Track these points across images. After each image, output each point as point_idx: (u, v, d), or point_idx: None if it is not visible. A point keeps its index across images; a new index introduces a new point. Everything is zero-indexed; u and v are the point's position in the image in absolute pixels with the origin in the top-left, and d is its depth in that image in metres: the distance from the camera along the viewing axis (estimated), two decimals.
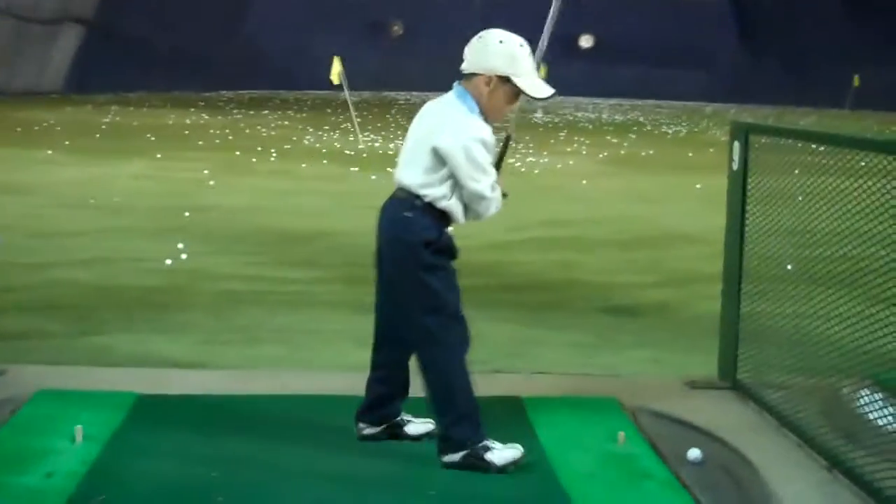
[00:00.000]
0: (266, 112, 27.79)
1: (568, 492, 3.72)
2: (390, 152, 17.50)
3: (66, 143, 17.15)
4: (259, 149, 17.38)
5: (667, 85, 42.03)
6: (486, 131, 3.84)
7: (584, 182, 14.30)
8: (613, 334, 6.36)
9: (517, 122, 4.17)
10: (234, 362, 5.49)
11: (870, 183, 3.90)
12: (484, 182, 3.82)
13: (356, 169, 15.00)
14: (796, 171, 4.53)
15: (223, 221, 10.15)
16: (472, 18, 40.15)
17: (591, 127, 26.56)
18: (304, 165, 15.30)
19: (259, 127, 22.49)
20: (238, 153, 16.62)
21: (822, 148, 4.38)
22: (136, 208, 10.71)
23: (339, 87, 18.69)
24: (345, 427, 4.24)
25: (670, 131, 26.03)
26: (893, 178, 3.75)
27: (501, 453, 3.88)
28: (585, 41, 44.24)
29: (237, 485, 3.68)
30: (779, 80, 39.99)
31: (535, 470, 3.90)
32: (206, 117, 25.09)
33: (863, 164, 3.98)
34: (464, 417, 3.88)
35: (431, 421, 4.10)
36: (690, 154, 19.17)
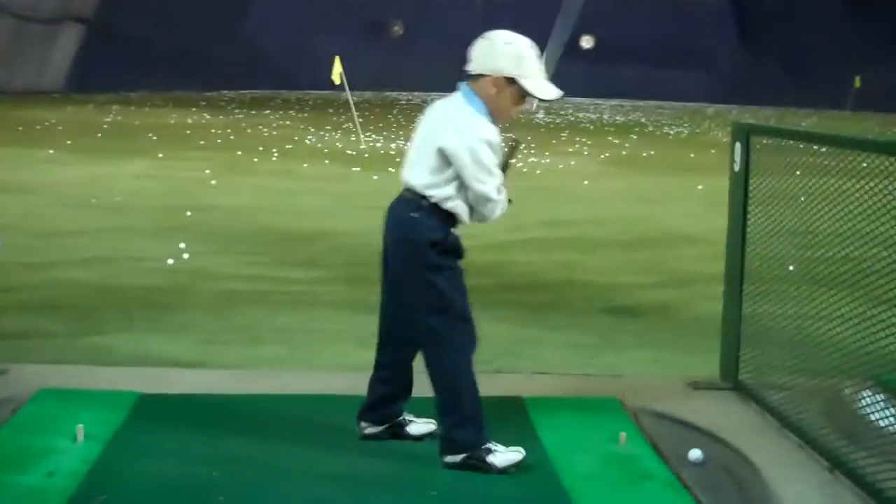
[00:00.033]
0: (268, 112, 27.80)
1: (569, 492, 3.71)
2: (392, 152, 17.51)
3: (68, 142, 17.16)
4: (261, 148, 17.39)
5: (668, 86, 42.04)
6: (492, 132, 3.82)
7: (586, 182, 14.30)
8: (615, 335, 6.36)
9: (517, 122, 4.17)
10: (235, 362, 5.49)
11: (871, 184, 3.90)
12: (490, 184, 3.80)
13: (358, 169, 15.00)
14: (798, 173, 4.53)
15: (224, 221, 10.16)
16: (473, 18, 40.20)
17: (592, 127, 26.56)
18: (305, 165, 15.30)
19: (261, 127, 22.50)
20: (240, 153, 16.63)
21: (823, 149, 4.38)
22: (137, 208, 10.71)
23: (341, 87, 18.70)
24: (345, 427, 4.24)
25: (672, 132, 26.03)
26: (895, 180, 3.75)
27: (503, 456, 3.88)
28: (586, 42, 44.25)
29: (238, 484, 3.68)
30: (780, 82, 40.01)
31: (537, 470, 3.90)
32: (208, 117, 25.11)
33: (864, 165, 3.98)
34: (468, 419, 3.88)
35: (433, 421, 4.10)
36: (692, 155, 19.17)
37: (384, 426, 4.17)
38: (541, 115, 29.45)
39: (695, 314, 6.82)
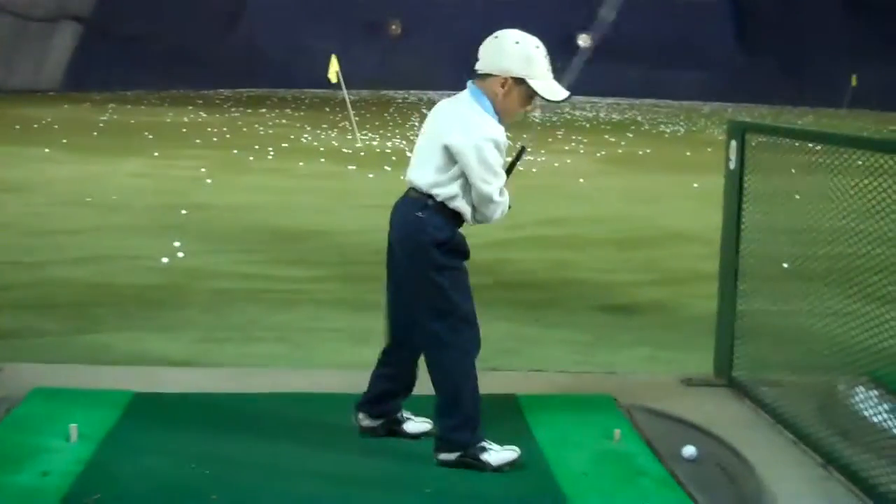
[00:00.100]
0: (264, 110, 27.77)
1: (563, 489, 3.72)
2: (388, 151, 17.51)
3: (64, 140, 17.14)
4: (256, 147, 17.38)
5: (664, 84, 42.06)
6: (499, 132, 3.80)
7: (582, 181, 14.30)
8: (610, 332, 6.37)
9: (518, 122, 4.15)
10: (231, 360, 5.49)
11: (866, 182, 3.91)
12: (494, 184, 3.78)
13: (354, 167, 15.00)
14: (793, 171, 4.54)
15: (220, 219, 10.15)
16: (470, 18, 40.18)
17: (588, 126, 26.57)
18: (301, 164, 15.30)
19: (257, 125, 22.49)
20: (235, 151, 16.61)
21: (818, 147, 4.38)
22: (133, 206, 10.70)
23: (337, 86, 18.69)
24: (340, 425, 4.24)
25: (668, 130, 26.05)
26: (889, 177, 3.76)
27: (498, 454, 3.88)
28: (583, 40, 44.27)
29: (232, 483, 3.68)
30: (776, 80, 40.04)
31: (531, 468, 3.90)
32: (204, 115, 25.08)
33: (859, 163, 3.99)
34: (467, 422, 3.88)
35: (430, 421, 4.09)
36: (688, 153, 19.18)
37: (381, 421, 4.17)
38: (537, 113, 29.43)
39: (690, 312, 6.83)
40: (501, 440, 3.93)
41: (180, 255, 8.14)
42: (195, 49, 35.57)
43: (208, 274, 7.66)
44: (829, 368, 4.25)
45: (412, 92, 40.52)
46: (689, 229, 10.17)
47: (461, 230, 3.91)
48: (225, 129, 21.28)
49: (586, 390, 4.85)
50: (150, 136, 18.78)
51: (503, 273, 7.99)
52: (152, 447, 3.98)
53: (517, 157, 4.03)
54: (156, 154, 15.75)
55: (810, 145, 4.47)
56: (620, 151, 19.38)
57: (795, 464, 4.05)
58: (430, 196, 3.80)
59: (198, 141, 18.40)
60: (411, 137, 19.99)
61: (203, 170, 13.90)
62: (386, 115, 27.32)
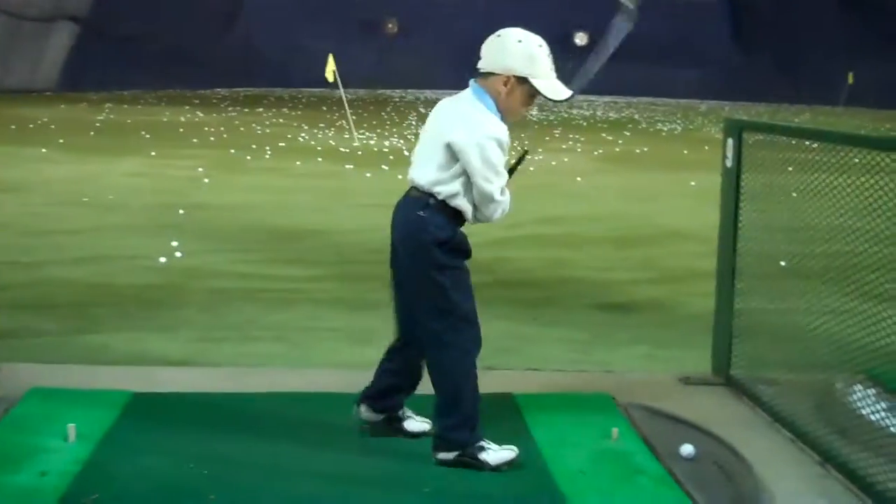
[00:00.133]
0: (261, 109, 27.75)
1: (561, 488, 3.72)
2: (385, 150, 17.51)
3: (61, 140, 17.11)
4: (254, 146, 17.37)
5: (662, 82, 42.06)
6: (502, 130, 3.79)
7: (579, 179, 14.31)
8: (608, 331, 6.37)
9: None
10: (229, 360, 5.49)
11: (862, 179, 3.92)
12: (496, 183, 3.78)
13: (351, 166, 14.99)
14: (790, 169, 4.55)
15: (217, 219, 10.15)
16: (469, 17, 40.15)
17: (585, 124, 26.56)
18: (298, 163, 15.29)
19: (254, 124, 22.47)
20: (233, 151, 16.60)
21: (815, 145, 4.39)
22: (130, 206, 10.69)
23: (334, 85, 18.68)
24: (339, 424, 4.24)
25: (665, 128, 26.05)
26: (886, 175, 3.76)
27: (496, 454, 3.88)
28: (580, 39, 44.24)
29: (230, 483, 3.68)
30: (773, 78, 40.04)
31: (529, 467, 3.90)
32: (201, 115, 25.06)
33: (856, 160, 3.99)
34: (466, 422, 3.88)
35: (430, 421, 4.09)
36: (685, 151, 19.19)
37: (382, 415, 4.16)
38: (534, 111, 29.46)
39: (687, 310, 6.84)
40: (499, 439, 3.93)
41: (178, 254, 8.14)
42: (192, 49, 35.53)
43: (206, 273, 7.66)
44: (827, 367, 4.25)
45: (409, 91, 40.48)
46: (687, 227, 10.18)
47: (463, 229, 3.90)
48: (222, 128, 21.27)
49: (584, 389, 4.85)
50: (147, 136, 18.76)
51: (501, 272, 7.99)
52: (150, 447, 3.98)
53: (520, 160, 4.02)
54: (153, 154, 15.74)
55: (807, 143, 4.47)
56: (618, 150, 19.39)
57: (793, 462, 4.05)
58: (432, 195, 3.79)
59: (195, 140, 18.39)
60: (408, 136, 19.99)
61: (200, 169, 13.89)
62: (383, 114, 27.30)
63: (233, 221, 10.01)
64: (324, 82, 18.89)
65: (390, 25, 45.36)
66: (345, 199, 11.68)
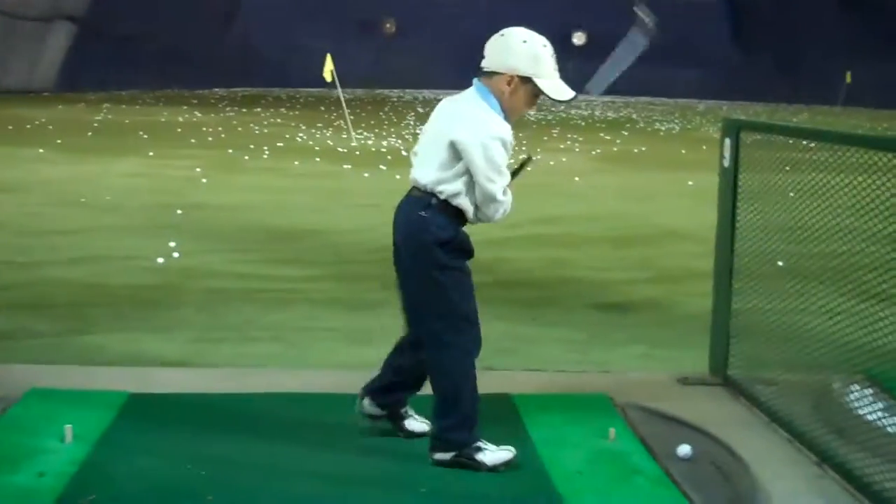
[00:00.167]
0: (259, 110, 27.76)
1: (558, 488, 3.72)
2: (383, 150, 17.51)
3: (58, 141, 17.11)
4: (251, 146, 17.37)
5: (659, 82, 42.09)
6: (506, 130, 3.78)
7: (577, 179, 14.31)
8: (605, 331, 6.37)
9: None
10: (226, 360, 5.48)
11: (860, 179, 3.92)
12: (499, 183, 3.76)
13: (349, 166, 14.99)
14: (787, 168, 4.54)
15: (215, 219, 10.14)
16: (467, 17, 40.15)
17: (583, 124, 26.57)
18: (296, 163, 15.29)
19: (252, 124, 22.47)
20: (230, 151, 16.60)
21: (812, 144, 4.39)
22: (127, 206, 10.69)
23: (332, 85, 18.68)
24: (336, 425, 4.24)
25: (663, 128, 26.06)
26: (883, 175, 3.76)
27: (493, 454, 3.87)
28: (578, 38, 44.27)
29: (227, 483, 3.67)
30: (771, 78, 40.10)
31: (526, 467, 3.90)
32: (199, 115, 25.06)
33: (853, 160, 3.99)
34: (463, 422, 3.87)
35: (430, 423, 4.09)
36: (683, 151, 19.20)
37: (384, 412, 4.15)
38: (531, 111, 29.45)
39: (685, 310, 6.84)
40: (496, 439, 3.93)
41: (175, 255, 8.13)
42: (190, 48, 35.54)
43: (203, 274, 7.66)
44: (824, 367, 4.25)
45: (407, 91, 40.50)
46: (684, 227, 10.18)
47: (465, 229, 3.89)
48: (220, 128, 21.27)
49: (581, 389, 4.85)
50: (145, 136, 18.76)
51: (500, 272, 7.99)
52: (147, 448, 3.97)
53: (522, 165, 4.00)
54: (151, 154, 15.74)
55: (805, 143, 4.47)
56: (616, 149, 19.39)
57: (790, 462, 4.05)
58: (433, 194, 3.78)
59: (193, 140, 18.39)
60: (406, 137, 19.99)
61: (198, 169, 13.89)
62: (381, 113, 27.31)
63: (230, 221, 10.01)
64: (322, 82, 18.89)
65: (388, 25, 45.39)
66: (342, 200, 11.67)
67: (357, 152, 17.08)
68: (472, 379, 3.89)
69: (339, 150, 17.44)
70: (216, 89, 37.23)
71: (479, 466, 3.84)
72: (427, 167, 3.83)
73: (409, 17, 43.97)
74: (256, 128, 21.71)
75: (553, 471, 3.86)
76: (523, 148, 18.13)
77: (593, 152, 18.62)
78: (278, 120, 24.38)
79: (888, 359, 3.75)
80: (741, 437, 4.23)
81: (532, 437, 4.19)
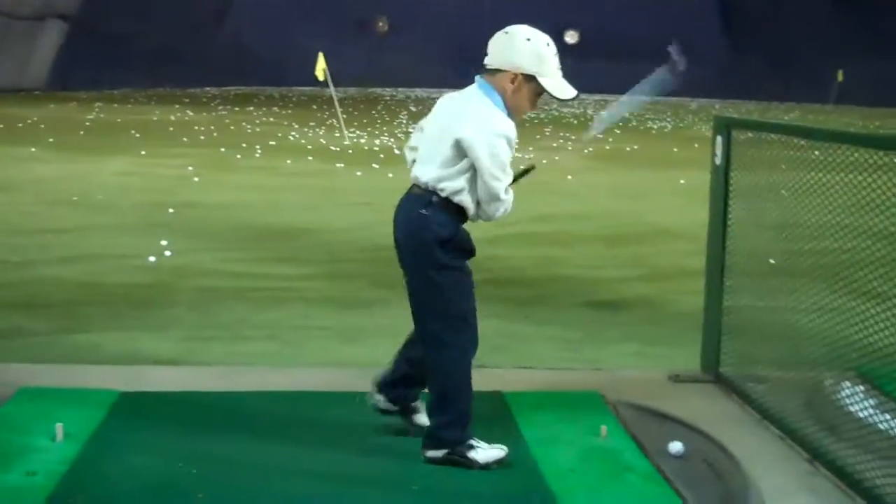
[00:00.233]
0: (251, 108, 27.70)
1: (550, 486, 3.72)
2: (375, 148, 17.49)
3: (50, 139, 17.07)
4: (244, 145, 17.34)
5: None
6: (510, 128, 3.77)
7: (570, 177, 14.31)
8: (598, 329, 6.38)
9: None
10: (219, 359, 5.48)
11: (851, 177, 3.93)
12: (503, 181, 3.76)
13: (341, 165, 14.98)
14: (783, 167, 4.55)
15: (208, 218, 10.13)
16: (459, 16, 40.09)
17: (576, 122, 26.59)
18: (289, 162, 15.27)
19: (244, 123, 22.43)
20: (223, 150, 16.58)
21: (803, 142, 4.40)
22: (120, 205, 10.67)
23: (325, 84, 18.65)
24: (329, 423, 4.25)
25: (655, 127, 26.09)
26: (874, 172, 3.77)
27: (485, 452, 3.88)
28: (570, 37, 44.27)
29: (219, 481, 3.67)
30: (763, 76, 40.11)
31: (518, 464, 3.90)
32: (191, 114, 25.01)
33: (845, 158, 4.00)
34: (457, 420, 3.87)
35: None
36: (675, 149, 19.21)
37: (397, 406, 4.13)
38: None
39: (677, 308, 6.85)
40: (488, 437, 3.94)
41: (168, 253, 8.12)
42: (182, 47, 35.44)
43: (196, 272, 7.65)
44: (816, 364, 4.26)
45: (400, 90, 40.43)
46: (676, 225, 10.20)
47: (466, 227, 3.88)
48: (212, 127, 21.23)
49: (573, 387, 4.85)
50: (137, 135, 18.72)
51: (491, 270, 7.98)
52: (138, 446, 3.97)
53: (525, 172, 3.99)
54: (143, 153, 15.71)
55: (795, 140, 4.48)
56: (608, 148, 19.39)
57: (782, 459, 4.06)
58: (434, 192, 3.77)
59: (185, 139, 18.35)
60: (399, 135, 19.97)
61: (190, 168, 13.86)
62: (374, 112, 27.28)
63: (223, 220, 9.99)
64: (314, 81, 18.85)
65: (381, 24, 45.32)
66: (335, 198, 11.66)
67: (350, 151, 17.07)
68: (467, 378, 3.89)
69: (332, 148, 17.42)
70: (208, 88, 37.14)
71: (472, 464, 3.84)
72: (428, 165, 3.81)
73: (402, 15, 43.91)
74: (249, 126, 21.67)
75: (545, 468, 3.87)
76: (515, 145, 18.14)
77: (586, 150, 18.63)
78: (270, 119, 24.34)
79: (879, 356, 3.76)
80: (733, 434, 4.24)
81: (524, 434, 4.19)
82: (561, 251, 9.00)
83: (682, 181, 13.63)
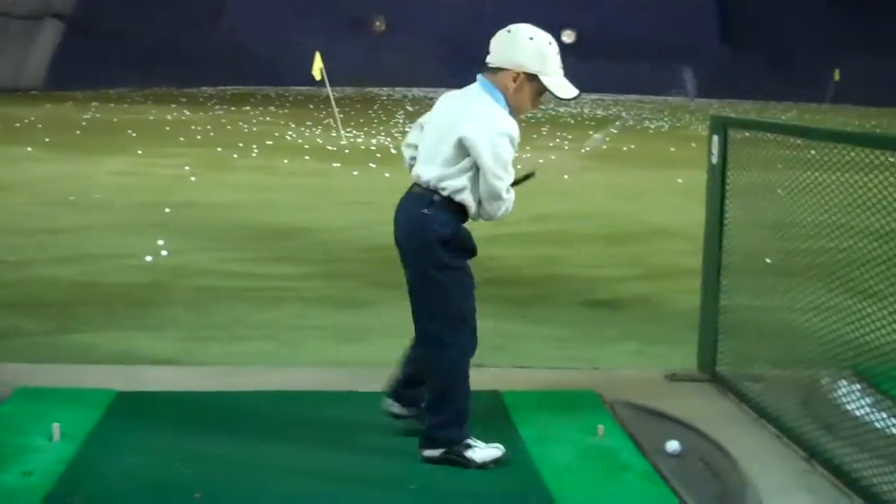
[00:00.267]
0: (248, 108, 27.70)
1: (547, 485, 3.72)
2: (372, 148, 17.49)
3: (47, 139, 17.05)
4: (240, 145, 17.33)
5: (649, 80, 42.12)
6: (513, 127, 3.76)
7: (567, 177, 14.31)
8: (595, 328, 6.38)
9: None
10: (216, 358, 5.48)
11: (847, 176, 3.93)
12: (506, 180, 3.75)
13: (338, 164, 14.98)
14: (780, 166, 4.55)
15: (204, 217, 10.12)
16: (456, 15, 40.06)
17: (573, 122, 26.59)
18: (285, 161, 15.26)
19: (241, 123, 22.42)
20: (219, 149, 16.57)
21: (799, 141, 4.40)
22: (116, 205, 10.66)
23: (321, 83, 18.65)
24: (325, 422, 4.24)
25: (652, 126, 26.09)
26: (870, 171, 3.78)
27: (482, 451, 3.88)
28: (567, 37, 44.27)
29: (215, 481, 3.67)
30: (760, 75, 40.13)
31: (515, 464, 3.90)
32: (188, 113, 24.99)
33: (839, 157, 4.01)
34: (454, 420, 3.87)
35: None
36: (672, 149, 19.22)
37: (412, 409, 4.11)
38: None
39: (674, 307, 6.85)
40: (486, 437, 3.93)
41: (164, 253, 8.12)
42: (178, 46, 35.40)
43: (193, 272, 7.64)
44: (812, 363, 4.27)
45: (397, 89, 40.43)
46: (674, 225, 10.20)
47: (467, 226, 3.87)
48: (209, 126, 21.22)
49: (570, 386, 4.85)
50: (134, 135, 18.71)
51: (489, 269, 7.97)
52: (135, 446, 3.96)
53: (524, 178, 3.99)
54: (139, 152, 15.70)
55: (792, 140, 4.49)
56: (605, 147, 19.40)
57: (779, 458, 4.06)
58: (436, 191, 3.76)
59: (182, 139, 18.34)
60: (395, 134, 19.97)
61: (187, 168, 13.86)
62: (370, 112, 27.28)
63: (219, 220, 9.99)
64: (311, 80, 18.85)
65: (378, 23, 45.30)
66: (332, 197, 11.66)
67: (346, 150, 17.07)
68: (465, 379, 3.89)
69: (329, 148, 17.42)
70: (204, 87, 37.11)
71: (469, 464, 3.84)
72: (430, 164, 3.80)
73: (399, 14, 43.90)
74: (245, 126, 21.67)
75: (542, 467, 3.87)
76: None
77: (582, 150, 18.63)
78: (267, 118, 24.33)
79: (875, 354, 3.77)
80: (730, 433, 4.24)
81: (521, 434, 4.19)
82: (558, 251, 9.01)
83: (679, 180, 13.63)
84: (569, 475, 3.82)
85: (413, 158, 3.98)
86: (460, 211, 3.80)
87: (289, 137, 19.37)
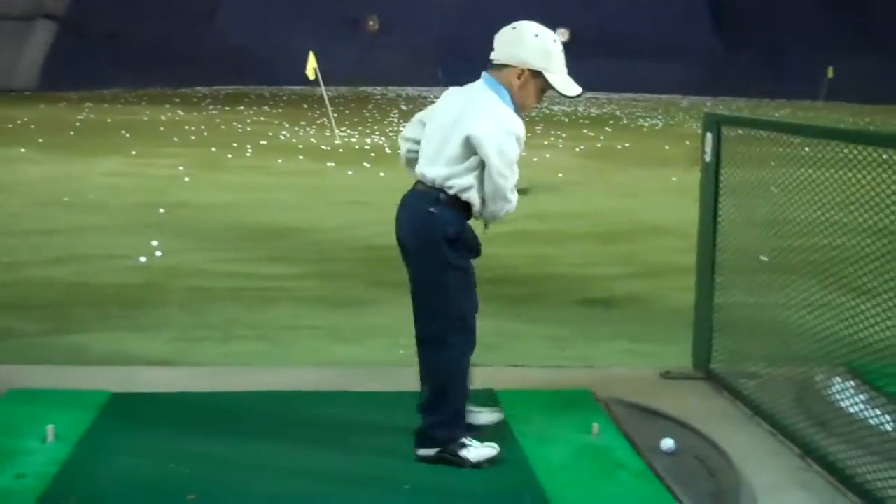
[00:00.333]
0: (242, 108, 27.66)
1: (542, 484, 3.72)
2: (366, 147, 17.47)
3: (40, 140, 17.02)
4: (235, 145, 17.31)
5: (642, 78, 42.14)
6: (519, 125, 3.76)
7: (561, 175, 14.32)
8: (590, 326, 6.38)
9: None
10: (210, 359, 5.47)
11: (840, 173, 3.93)
12: (511, 179, 3.75)
13: (332, 164, 14.97)
14: (773, 164, 4.56)
15: (198, 218, 10.11)
16: (450, 15, 40.04)
17: (567, 120, 26.58)
18: (279, 161, 15.25)
19: (235, 123, 22.40)
20: (213, 149, 16.55)
21: (793, 139, 4.40)
22: (110, 206, 10.64)
23: (315, 83, 18.63)
24: (319, 422, 4.24)
25: (646, 124, 26.10)
26: (864, 168, 3.78)
27: (477, 451, 3.87)
28: (560, 35, 44.28)
29: (209, 482, 3.66)
30: (753, 73, 40.16)
31: (510, 462, 3.90)
32: (182, 113, 24.96)
33: (833, 154, 4.01)
34: (450, 420, 3.87)
35: (500, 409, 4.14)
36: (666, 147, 19.22)
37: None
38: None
39: (669, 305, 6.85)
40: (480, 436, 3.93)
41: (158, 253, 8.10)
42: (172, 47, 35.36)
43: (187, 272, 7.63)
44: (807, 360, 4.27)
45: (391, 88, 40.39)
46: (668, 223, 10.20)
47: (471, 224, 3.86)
48: (203, 126, 21.19)
49: (564, 384, 4.85)
50: (128, 135, 18.68)
51: (483, 268, 7.92)
52: (129, 447, 3.95)
53: (519, 192, 3.97)
54: (133, 153, 15.67)
55: (785, 137, 4.49)
56: (599, 146, 19.41)
57: (773, 455, 4.07)
58: (442, 189, 3.75)
59: (175, 139, 18.32)
60: (390, 133, 19.95)
61: (181, 168, 13.84)
62: (364, 111, 27.25)
63: (214, 220, 9.98)
64: (305, 80, 18.83)
65: (372, 23, 45.26)
66: (326, 197, 11.65)
67: (340, 150, 17.05)
68: (463, 379, 3.90)
69: (323, 147, 17.40)
70: (198, 87, 37.05)
71: (463, 463, 3.83)
72: (435, 162, 3.78)
73: (393, 14, 43.88)
74: (239, 126, 21.64)
75: (537, 466, 3.87)
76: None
77: (577, 148, 18.64)
78: (261, 118, 24.30)
79: (869, 351, 3.77)
80: (724, 430, 4.24)
81: (515, 433, 4.19)
82: (553, 249, 9.01)
83: (673, 178, 13.64)
84: (563, 474, 3.82)
85: (410, 152, 3.97)
86: (465, 209, 3.79)
87: (283, 137, 19.35)
